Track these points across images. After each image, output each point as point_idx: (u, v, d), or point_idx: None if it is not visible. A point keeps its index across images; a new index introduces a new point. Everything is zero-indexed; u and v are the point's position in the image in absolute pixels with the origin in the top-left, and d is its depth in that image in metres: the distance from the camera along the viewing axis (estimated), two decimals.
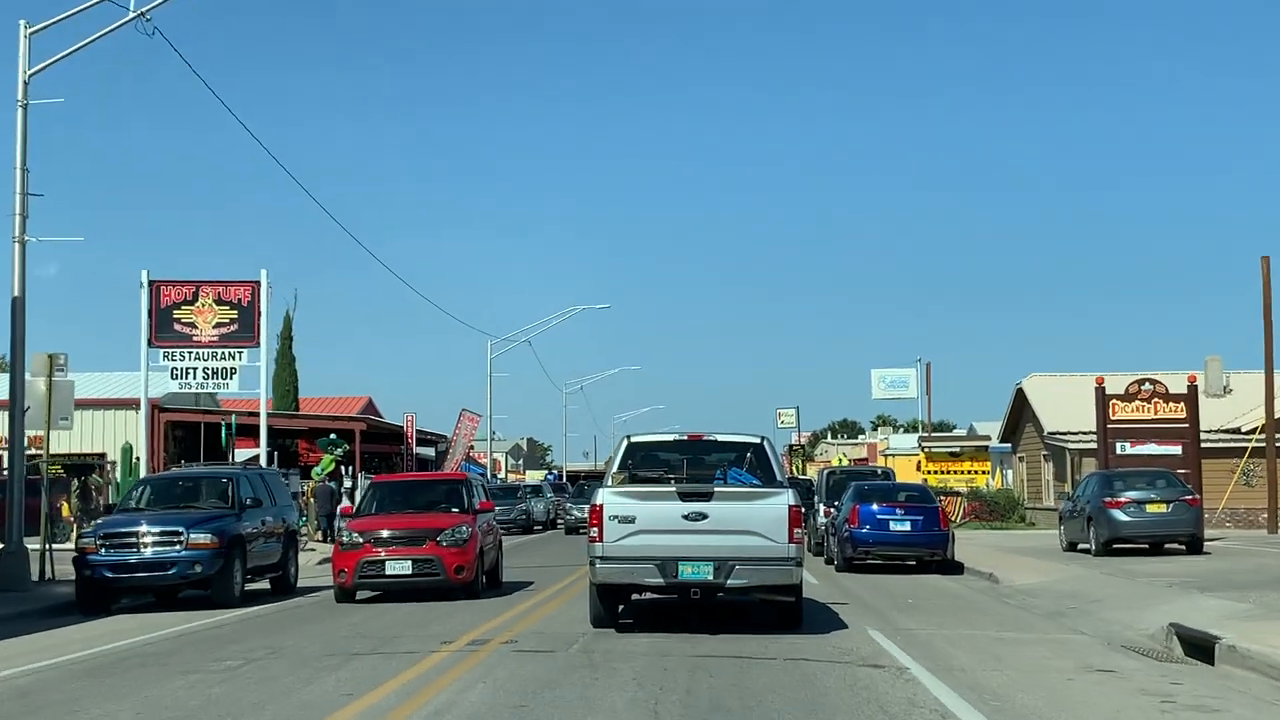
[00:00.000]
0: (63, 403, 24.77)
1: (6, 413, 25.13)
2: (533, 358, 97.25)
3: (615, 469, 16.19)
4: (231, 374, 38.50)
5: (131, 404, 47.22)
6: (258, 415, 50.91)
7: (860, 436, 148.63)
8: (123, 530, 19.78)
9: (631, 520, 15.01)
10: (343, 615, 18.94)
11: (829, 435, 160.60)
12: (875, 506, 27.82)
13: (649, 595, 16.32)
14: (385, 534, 20.67)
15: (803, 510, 15.68)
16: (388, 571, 20.46)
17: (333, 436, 47.48)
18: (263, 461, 38.88)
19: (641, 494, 15.35)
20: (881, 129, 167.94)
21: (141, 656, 14.87)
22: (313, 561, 33.14)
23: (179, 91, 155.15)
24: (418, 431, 58.27)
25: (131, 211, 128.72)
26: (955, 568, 27.63)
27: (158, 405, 47.70)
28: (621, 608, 16.37)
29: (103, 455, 47.21)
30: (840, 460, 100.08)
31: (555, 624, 17.01)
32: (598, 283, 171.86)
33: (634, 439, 16.72)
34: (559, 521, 55.37)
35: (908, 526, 27.59)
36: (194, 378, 38.33)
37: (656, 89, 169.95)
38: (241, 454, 64.54)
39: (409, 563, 20.41)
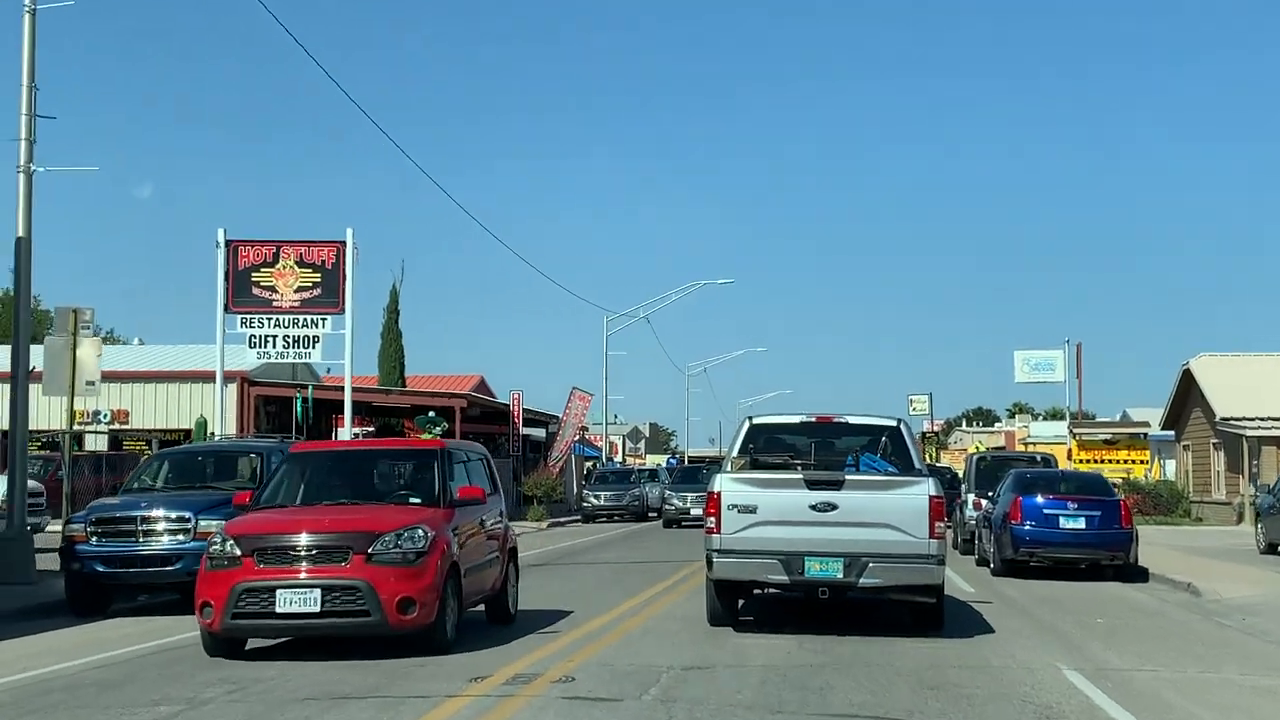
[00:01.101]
0: (88, 364, 21.38)
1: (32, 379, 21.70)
2: (653, 339, 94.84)
3: (735, 453, 14.85)
4: (314, 342, 35.10)
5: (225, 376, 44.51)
6: (356, 390, 48.14)
7: (996, 424, 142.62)
8: (118, 515, 16.09)
9: (753, 510, 13.77)
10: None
11: (963, 423, 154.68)
12: (1041, 499, 23.32)
13: (771, 591, 14.90)
14: (280, 542, 12.26)
15: (944, 501, 14.09)
16: (279, 608, 11.96)
17: (431, 414, 44.19)
18: (348, 436, 35.45)
19: (764, 481, 14.11)
20: (1029, 97, 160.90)
21: (83, 684, 11.24)
22: None
23: (267, 44, 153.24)
24: (526, 411, 54.68)
25: (213, 173, 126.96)
26: (1138, 574, 23.03)
27: (247, 378, 44.84)
28: (741, 603, 15.10)
29: (189, 433, 44.46)
30: (978, 448, 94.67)
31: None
32: (722, 258, 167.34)
33: (756, 420, 15.37)
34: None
35: (1081, 524, 23.05)
36: (273, 346, 34.98)
37: (790, 70, 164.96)
38: (345, 434, 62.39)
39: (316, 593, 11.96)
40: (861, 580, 13.67)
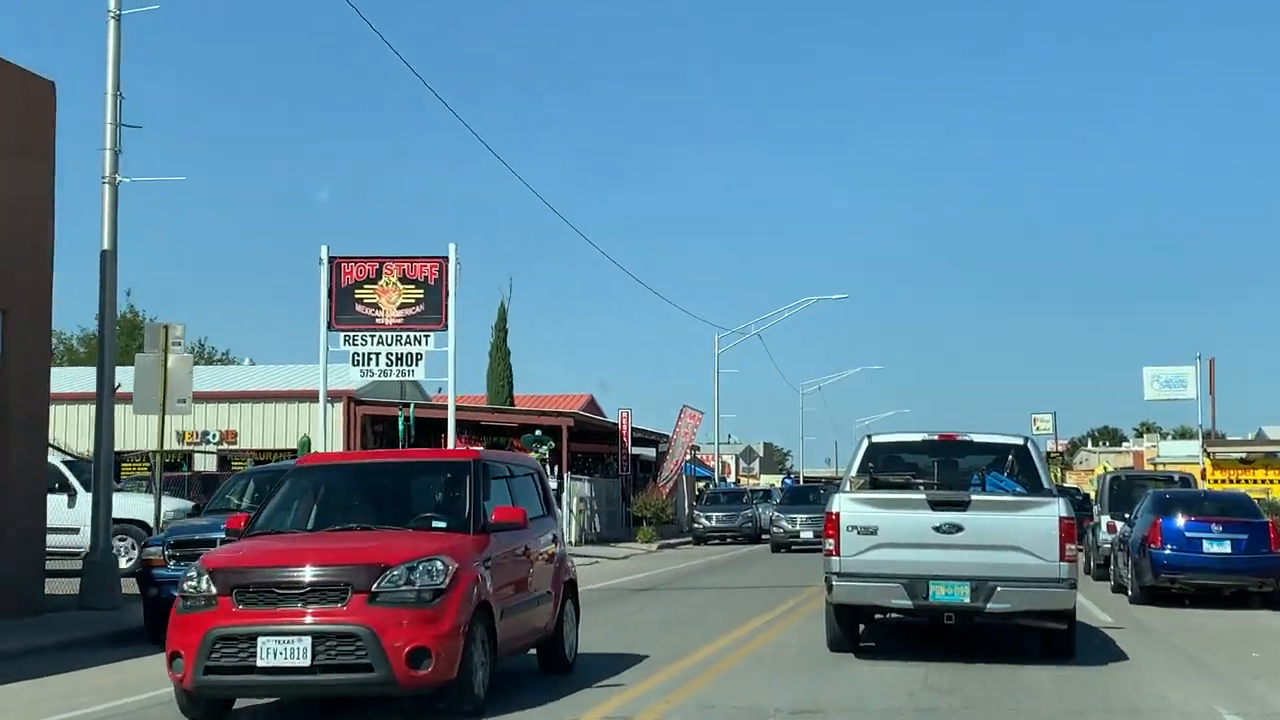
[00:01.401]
0: (180, 381, 20.79)
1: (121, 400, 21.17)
2: (765, 356, 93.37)
3: (854, 473, 14.45)
4: (417, 360, 34.42)
5: (328, 396, 44.18)
6: (461, 409, 47.55)
7: (1124, 444, 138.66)
8: (197, 538, 15.22)
9: (873, 531, 13.33)
10: None
11: (1088, 443, 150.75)
12: (1182, 521, 21.69)
13: (894, 616, 14.41)
14: (265, 577, 10.10)
15: (1075, 523, 13.57)
16: (261, 660, 9.77)
17: (538, 433, 43.28)
18: None
19: (885, 501, 13.68)
20: (1144, 108, 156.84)
21: None
22: None
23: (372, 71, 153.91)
24: (635, 430, 53.68)
25: (319, 189, 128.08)
26: None
27: (354, 398, 44.47)
28: (862, 628, 14.46)
29: (295, 453, 44.17)
30: (1105, 468, 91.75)
31: None
32: (835, 274, 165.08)
33: (875, 439, 14.93)
34: None
35: (1226, 547, 21.38)
36: (376, 364, 34.35)
37: (908, 82, 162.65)
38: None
39: (306, 641, 9.73)
40: (989, 605, 13.14)
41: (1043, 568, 13.04)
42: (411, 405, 33.99)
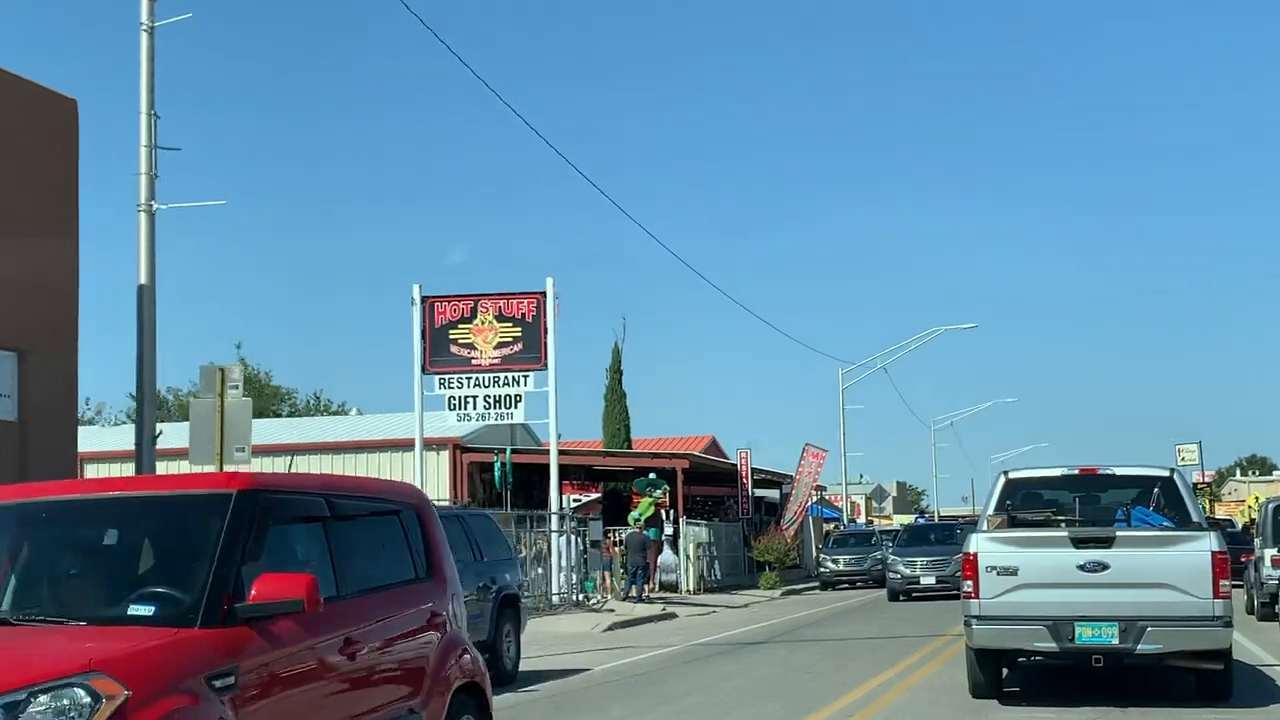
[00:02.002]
0: (238, 427, 19.15)
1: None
2: (893, 391, 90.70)
3: (991, 511, 14.01)
4: (516, 402, 32.88)
5: (431, 443, 42.74)
6: (569, 453, 45.71)
7: (1275, 473, 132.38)
8: None
9: (1014, 572, 12.84)
10: None
11: (1236, 472, 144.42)
12: None
13: (1038, 659, 13.69)
14: None
15: (1228, 557, 12.78)
16: None
17: (652, 476, 41.31)
18: (554, 503, 32.84)
19: (1025, 540, 13.15)
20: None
21: None
22: (598, 628, 26.65)
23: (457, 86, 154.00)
24: (756, 471, 51.38)
25: (403, 227, 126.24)
26: None
27: (459, 445, 42.94)
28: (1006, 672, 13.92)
29: None
30: (1258, 498, 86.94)
31: None
32: (963, 306, 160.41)
33: (1013, 475, 14.57)
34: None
35: None
36: (474, 407, 32.91)
37: (1030, 101, 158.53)
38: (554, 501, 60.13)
39: None
40: (1140, 647, 12.54)
41: (1195, 605, 12.44)
42: (508, 450, 32.28)
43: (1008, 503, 14.24)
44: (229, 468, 19.78)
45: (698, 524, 43.04)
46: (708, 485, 54.05)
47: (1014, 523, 13.94)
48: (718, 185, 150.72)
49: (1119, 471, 14.42)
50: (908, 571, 35.44)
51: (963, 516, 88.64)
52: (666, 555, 40.72)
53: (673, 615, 31.25)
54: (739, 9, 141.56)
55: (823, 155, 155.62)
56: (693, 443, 64.90)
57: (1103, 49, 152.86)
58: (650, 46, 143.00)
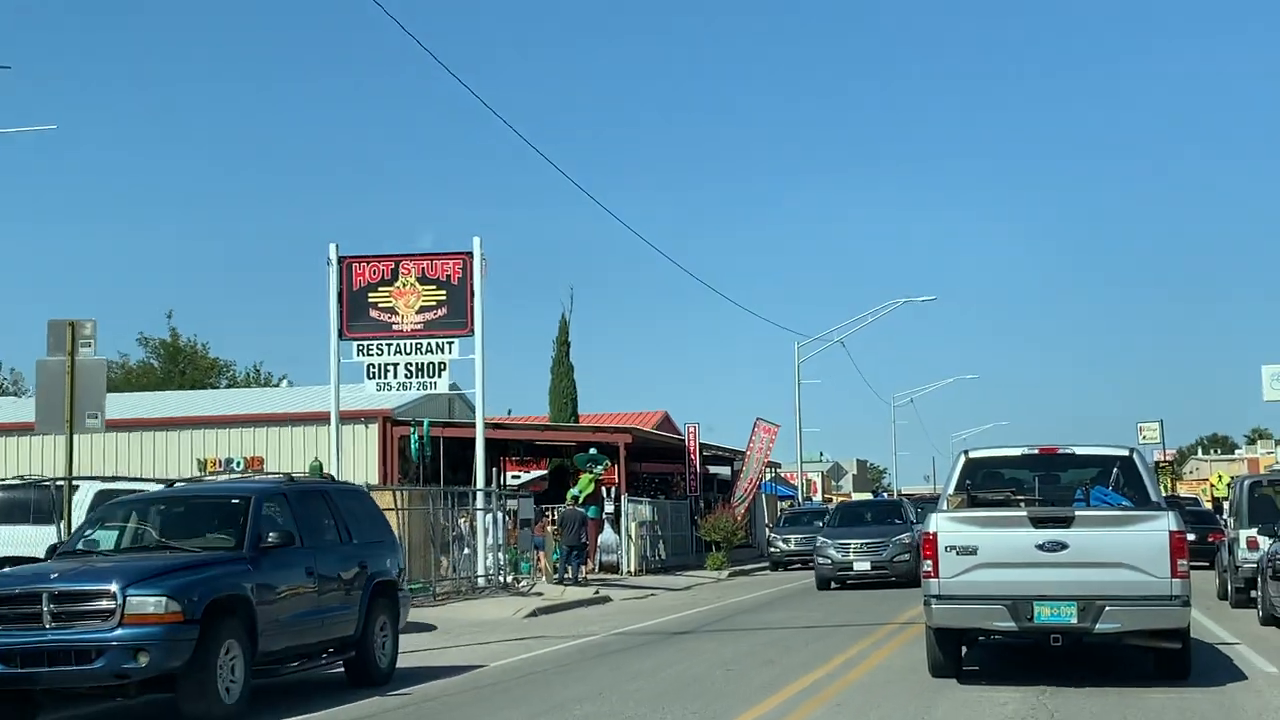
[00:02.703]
0: (91, 390, 16.88)
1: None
2: (854, 369, 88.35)
3: (951, 490, 14.11)
4: (440, 370, 30.61)
5: (360, 416, 40.45)
6: (508, 427, 43.52)
7: (1237, 452, 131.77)
8: (17, 591, 11.25)
9: (973, 551, 12.86)
10: None
11: (1198, 451, 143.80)
12: None
13: (997, 639, 13.74)
14: None
15: (1186, 536, 12.85)
16: None
17: (593, 451, 39.15)
18: (480, 481, 30.65)
19: (985, 520, 13.21)
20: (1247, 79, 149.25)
21: None
22: (520, 613, 24.51)
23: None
24: (707, 447, 49.30)
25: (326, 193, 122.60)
26: None
27: (390, 417, 40.64)
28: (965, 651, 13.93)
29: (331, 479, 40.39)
30: (1220, 477, 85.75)
31: None
32: (924, 279, 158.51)
33: (973, 454, 14.53)
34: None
35: None
36: (394, 376, 30.61)
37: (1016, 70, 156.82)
38: (516, 477, 57.84)
39: None
40: (1098, 625, 12.58)
41: (1153, 584, 12.50)
42: (425, 421, 29.91)
43: (967, 482, 14.16)
44: (80, 437, 17.52)
45: (641, 501, 40.93)
46: (657, 462, 51.93)
47: (974, 502, 13.91)
48: (672, 158, 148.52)
49: (1079, 451, 14.30)
50: (839, 556, 30.03)
51: (923, 495, 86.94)
52: (607, 534, 38.61)
53: (606, 599, 29.15)
54: None
55: (780, 130, 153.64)
56: (644, 418, 62.73)
57: (1066, 20, 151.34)
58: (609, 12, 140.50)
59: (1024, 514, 13.06)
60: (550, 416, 53.22)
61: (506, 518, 31.24)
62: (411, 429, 29.54)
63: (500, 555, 30.30)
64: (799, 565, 43.04)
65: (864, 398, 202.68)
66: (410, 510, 28.15)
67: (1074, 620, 12.57)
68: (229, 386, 64.77)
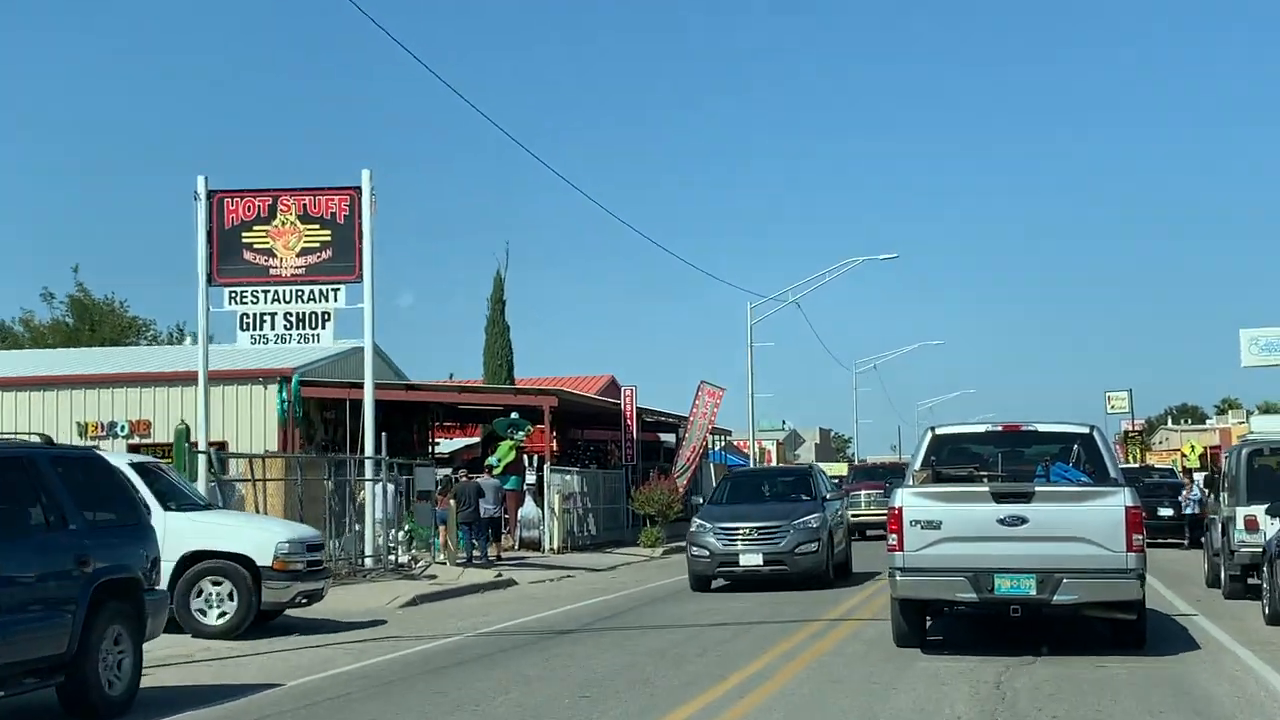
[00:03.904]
0: None
1: None
2: (814, 336, 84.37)
3: (917, 466, 14.42)
4: (324, 320, 26.82)
5: (260, 375, 36.59)
6: (419, 388, 39.74)
7: (1208, 422, 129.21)
8: None
9: (937, 525, 13.15)
10: None
11: (1168, 421, 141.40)
12: None
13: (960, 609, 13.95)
14: None
15: (1142, 511, 13.16)
16: None
17: (514, 416, 35.41)
18: (370, 448, 26.89)
19: (948, 495, 13.52)
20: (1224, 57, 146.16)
21: None
22: (397, 601, 20.90)
23: None
24: (649, 412, 45.68)
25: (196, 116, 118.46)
26: None
27: (289, 378, 36.74)
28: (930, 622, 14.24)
29: (223, 444, 36.51)
30: (1192, 448, 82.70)
31: None
32: (888, 240, 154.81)
33: (939, 431, 14.88)
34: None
35: None
36: (272, 327, 26.81)
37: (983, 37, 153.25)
38: (450, 445, 54.07)
39: None
40: (1056, 597, 12.98)
41: (1109, 558, 12.90)
42: (295, 378, 26.10)
43: (933, 458, 14.45)
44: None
45: (568, 472, 37.23)
46: (600, 429, 48.32)
47: (939, 478, 14.20)
48: (615, 114, 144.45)
49: (1041, 428, 14.71)
50: (720, 546, 21.92)
51: (892, 464, 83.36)
52: (528, 508, 34.96)
53: (509, 583, 25.54)
54: None
55: (737, 84, 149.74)
56: (588, 383, 59.04)
57: None
58: None
59: (986, 489, 13.36)
60: (484, 379, 49.56)
61: (397, 489, 27.60)
62: (279, 386, 25.70)
63: (393, 532, 26.65)
64: None
65: (828, 365, 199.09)
66: (296, 482, 24.49)
67: (1033, 592, 12.96)
68: (150, 346, 60.74)
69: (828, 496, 23.68)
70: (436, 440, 50.15)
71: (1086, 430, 14.57)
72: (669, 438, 53.52)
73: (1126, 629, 13.53)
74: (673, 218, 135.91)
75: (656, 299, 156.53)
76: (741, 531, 21.94)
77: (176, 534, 16.39)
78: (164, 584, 16.14)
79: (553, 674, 12.49)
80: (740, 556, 21.75)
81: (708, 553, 22.07)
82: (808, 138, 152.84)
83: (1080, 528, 12.95)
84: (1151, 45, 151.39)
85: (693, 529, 22.79)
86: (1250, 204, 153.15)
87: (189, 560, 16.57)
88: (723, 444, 61.87)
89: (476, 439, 51.06)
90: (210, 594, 16.51)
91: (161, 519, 16.40)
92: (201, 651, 15.06)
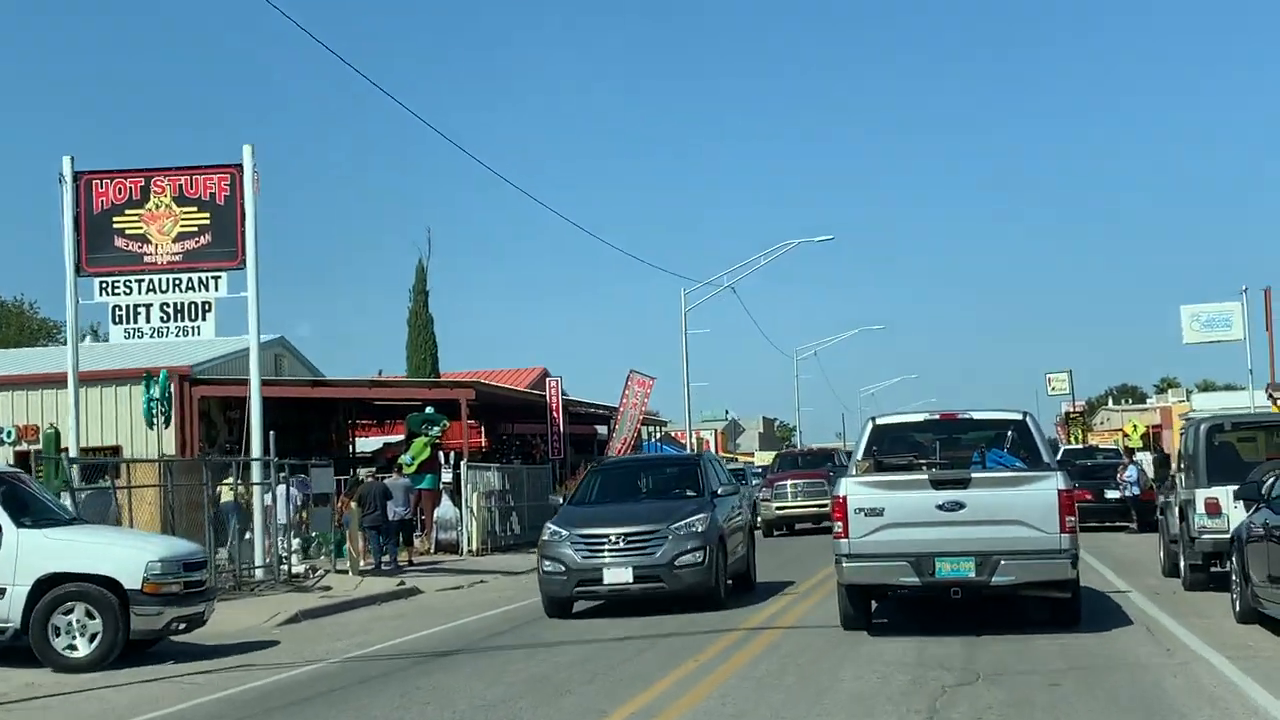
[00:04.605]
0: None
1: None
2: (760, 321, 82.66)
3: (860, 455, 14.82)
4: (205, 311, 24.69)
5: (155, 374, 34.29)
6: (327, 384, 37.60)
7: (1148, 401, 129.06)
8: None
9: (880, 513, 13.64)
10: None
11: (1109, 401, 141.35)
12: None
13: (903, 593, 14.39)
14: None
15: (1073, 494, 13.80)
16: None
17: (429, 410, 33.36)
18: (256, 449, 24.70)
19: (889, 483, 14.01)
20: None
21: None
22: (276, 619, 18.82)
23: None
24: (576, 404, 43.75)
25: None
26: None
27: (189, 377, 34.56)
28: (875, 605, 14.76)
29: (117, 449, 34.21)
30: (1134, 428, 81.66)
31: None
32: (824, 222, 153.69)
33: (880, 421, 15.37)
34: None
35: None
36: (146, 320, 24.66)
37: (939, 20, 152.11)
38: (368, 444, 51.86)
39: None
40: (994, 579, 13.43)
41: (1044, 540, 13.35)
42: (163, 373, 23.70)
43: (875, 447, 14.83)
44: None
45: (486, 468, 35.16)
46: (530, 422, 46.35)
47: (880, 467, 14.63)
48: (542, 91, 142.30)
49: (976, 415, 15.15)
50: (578, 559, 17.21)
51: (829, 450, 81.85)
52: (445, 508, 32.86)
53: (413, 592, 23.48)
54: None
55: (670, 69, 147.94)
56: (519, 376, 57.09)
57: None
58: None
59: (925, 477, 13.89)
60: (408, 374, 47.51)
61: (293, 492, 25.50)
62: (144, 383, 23.33)
63: (285, 539, 24.53)
64: None
65: (768, 354, 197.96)
66: (173, 488, 22.27)
67: (972, 574, 13.41)
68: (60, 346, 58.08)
69: (720, 492, 19.07)
70: (355, 439, 48.03)
71: (1020, 416, 15.00)
72: (605, 429, 51.66)
73: (1063, 607, 14.01)
74: (604, 206, 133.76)
75: (590, 289, 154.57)
76: (606, 540, 17.13)
77: (32, 553, 14.51)
78: (16, 610, 14.30)
79: (404, 715, 10.46)
80: (604, 572, 16.94)
81: (563, 568, 17.15)
82: (745, 120, 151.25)
83: (1015, 511, 13.42)
84: (1104, 18, 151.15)
85: (545, 537, 17.74)
86: (1189, 177, 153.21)
87: (46, 584, 14.50)
88: (660, 435, 60.11)
89: (400, 436, 49.04)
90: (71, 623, 14.40)
91: (13, 536, 14.44)
92: (54, 687, 13.02)
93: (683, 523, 17.30)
